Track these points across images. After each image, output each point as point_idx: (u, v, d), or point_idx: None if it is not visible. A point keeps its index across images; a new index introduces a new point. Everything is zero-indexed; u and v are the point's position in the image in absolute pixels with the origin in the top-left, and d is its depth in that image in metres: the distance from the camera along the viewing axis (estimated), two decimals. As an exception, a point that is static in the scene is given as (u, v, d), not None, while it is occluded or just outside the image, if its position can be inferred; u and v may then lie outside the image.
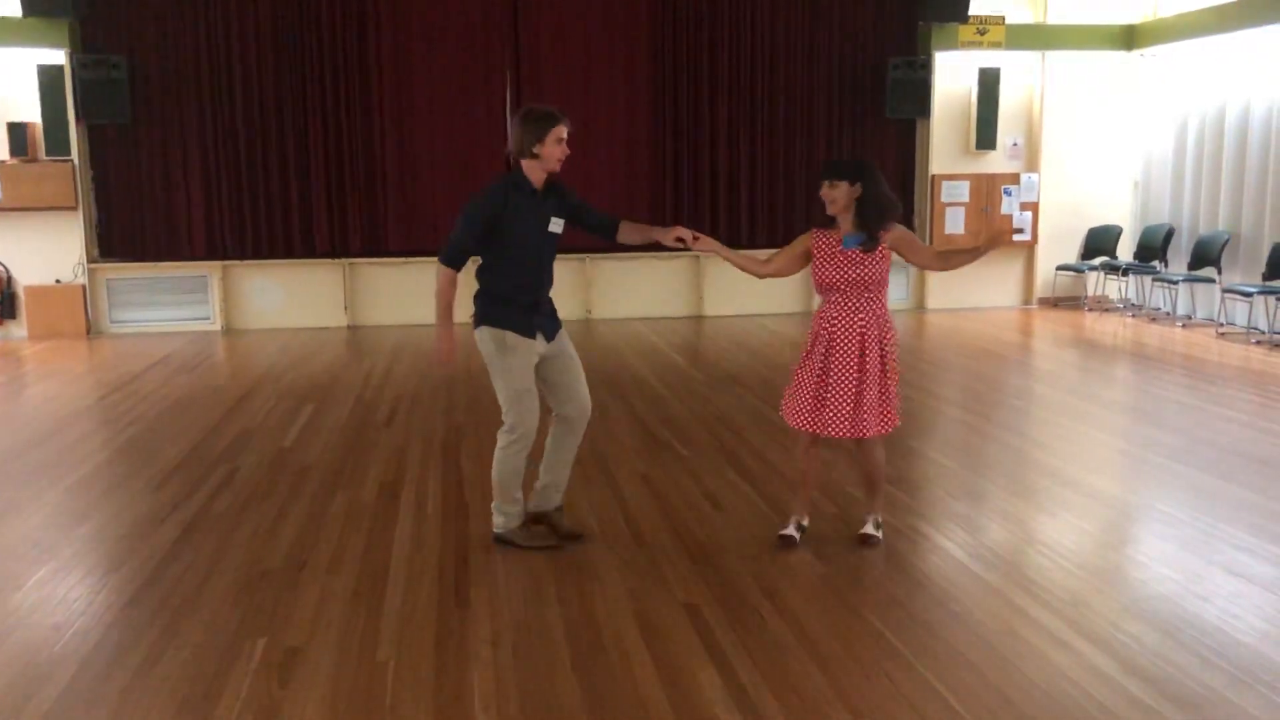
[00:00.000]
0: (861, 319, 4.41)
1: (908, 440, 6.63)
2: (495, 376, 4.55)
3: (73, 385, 8.66)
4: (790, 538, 4.64)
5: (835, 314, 4.45)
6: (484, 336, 4.51)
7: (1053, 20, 11.97)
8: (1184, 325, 10.93)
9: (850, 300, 4.42)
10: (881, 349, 4.44)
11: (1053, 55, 12.05)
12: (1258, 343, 9.80)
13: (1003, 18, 11.70)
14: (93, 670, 3.60)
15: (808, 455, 4.67)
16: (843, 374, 4.43)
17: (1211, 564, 4.42)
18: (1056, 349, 10.00)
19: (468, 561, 4.54)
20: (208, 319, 11.39)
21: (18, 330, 11.01)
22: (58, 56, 10.66)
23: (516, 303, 4.50)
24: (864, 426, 4.46)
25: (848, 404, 4.43)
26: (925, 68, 11.73)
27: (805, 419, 4.51)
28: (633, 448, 6.37)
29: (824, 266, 4.44)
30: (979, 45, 11.72)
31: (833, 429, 4.47)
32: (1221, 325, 10.55)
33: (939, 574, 4.38)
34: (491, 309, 4.50)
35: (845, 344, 4.42)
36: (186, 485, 5.71)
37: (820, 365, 4.46)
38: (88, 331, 11.08)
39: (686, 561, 4.51)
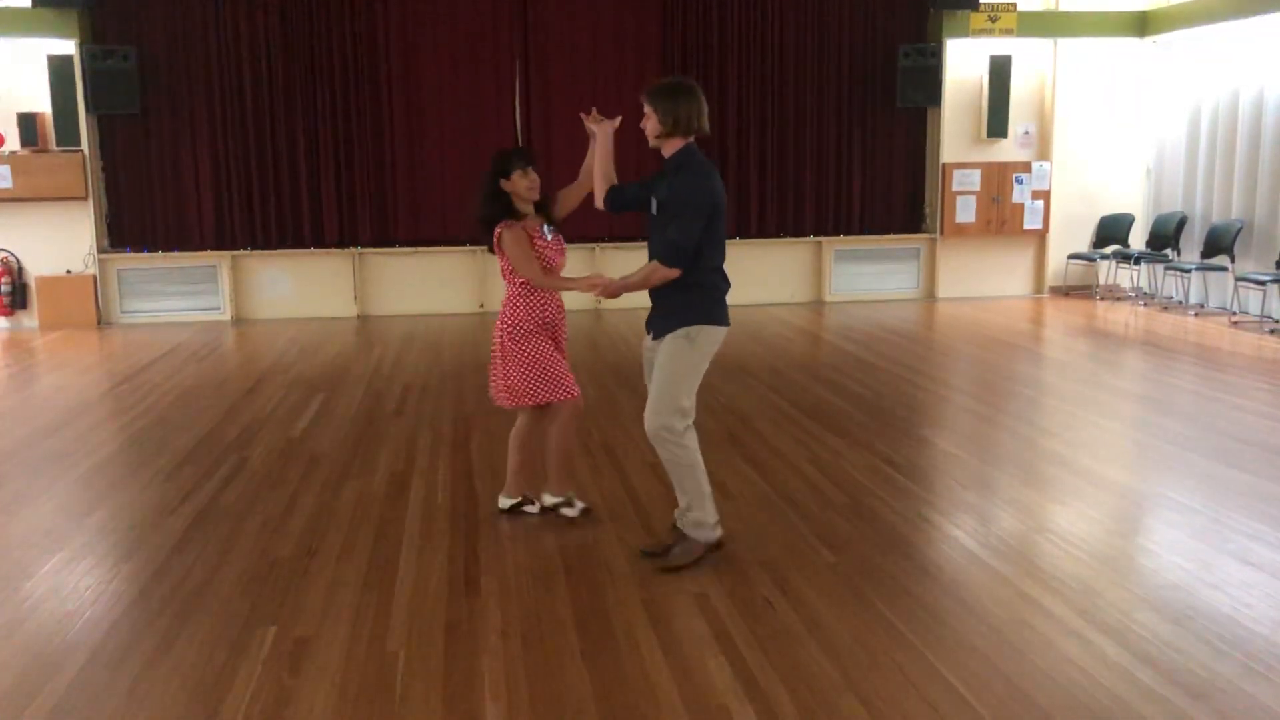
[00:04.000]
0: (559, 300, 4.75)
1: (919, 429, 6.62)
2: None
3: (83, 375, 8.69)
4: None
5: (558, 300, 4.74)
6: None
7: (1065, 7, 11.91)
8: (1196, 314, 10.88)
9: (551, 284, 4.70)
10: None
11: (1065, 42, 11.98)
12: (1271, 331, 9.74)
13: (1014, 4, 11.63)
14: (104, 659, 3.61)
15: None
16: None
17: (1223, 552, 4.40)
18: (1068, 338, 9.96)
19: (477, 551, 4.55)
20: (218, 309, 11.42)
21: (29, 320, 11.06)
22: (67, 47, 10.68)
23: None
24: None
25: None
26: (936, 55, 11.67)
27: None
28: (640, 437, 6.27)
29: (550, 252, 4.71)
30: (990, 32, 11.66)
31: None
32: (1234, 314, 10.50)
33: (949, 563, 4.37)
34: None
35: (561, 325, 4.79)
36: (197, 475, 5.73)
37: (551, 347, 4.71)
38: (98, 322, 11.12)
39: (696, 551, 4.51)
